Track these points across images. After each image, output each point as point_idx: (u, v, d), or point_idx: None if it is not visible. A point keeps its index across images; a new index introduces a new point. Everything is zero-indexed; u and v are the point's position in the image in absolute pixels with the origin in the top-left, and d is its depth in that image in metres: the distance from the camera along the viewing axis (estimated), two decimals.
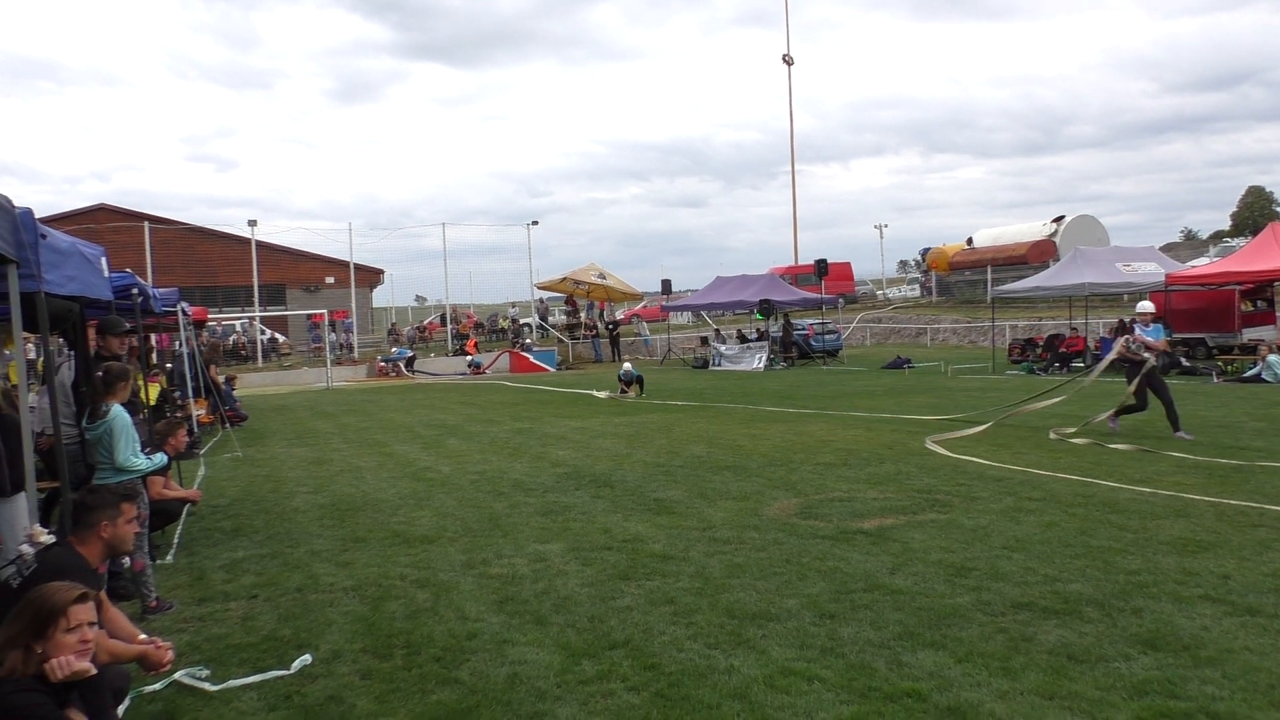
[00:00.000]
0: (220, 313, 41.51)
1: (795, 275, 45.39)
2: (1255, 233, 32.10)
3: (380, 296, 57.10)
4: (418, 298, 71.14)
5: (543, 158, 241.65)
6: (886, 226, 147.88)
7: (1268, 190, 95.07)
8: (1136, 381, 12.18)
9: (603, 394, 22.69)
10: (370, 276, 50.96)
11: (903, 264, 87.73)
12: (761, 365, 31.62)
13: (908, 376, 25.80)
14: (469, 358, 38.55)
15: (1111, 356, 13.25)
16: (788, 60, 57.54)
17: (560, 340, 43.28)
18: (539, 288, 46.40)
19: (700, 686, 4.57)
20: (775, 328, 34.72)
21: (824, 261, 37.50)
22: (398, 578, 6.83)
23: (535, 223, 46.03)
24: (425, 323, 52.76)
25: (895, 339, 43.05)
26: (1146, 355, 12.28)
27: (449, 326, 45.16)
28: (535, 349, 40.04)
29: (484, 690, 4.66)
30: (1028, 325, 35.34)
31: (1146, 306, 13.16)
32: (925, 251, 57.44)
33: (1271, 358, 19.85)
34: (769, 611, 5.64)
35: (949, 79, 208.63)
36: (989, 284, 38.79)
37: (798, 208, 70.47)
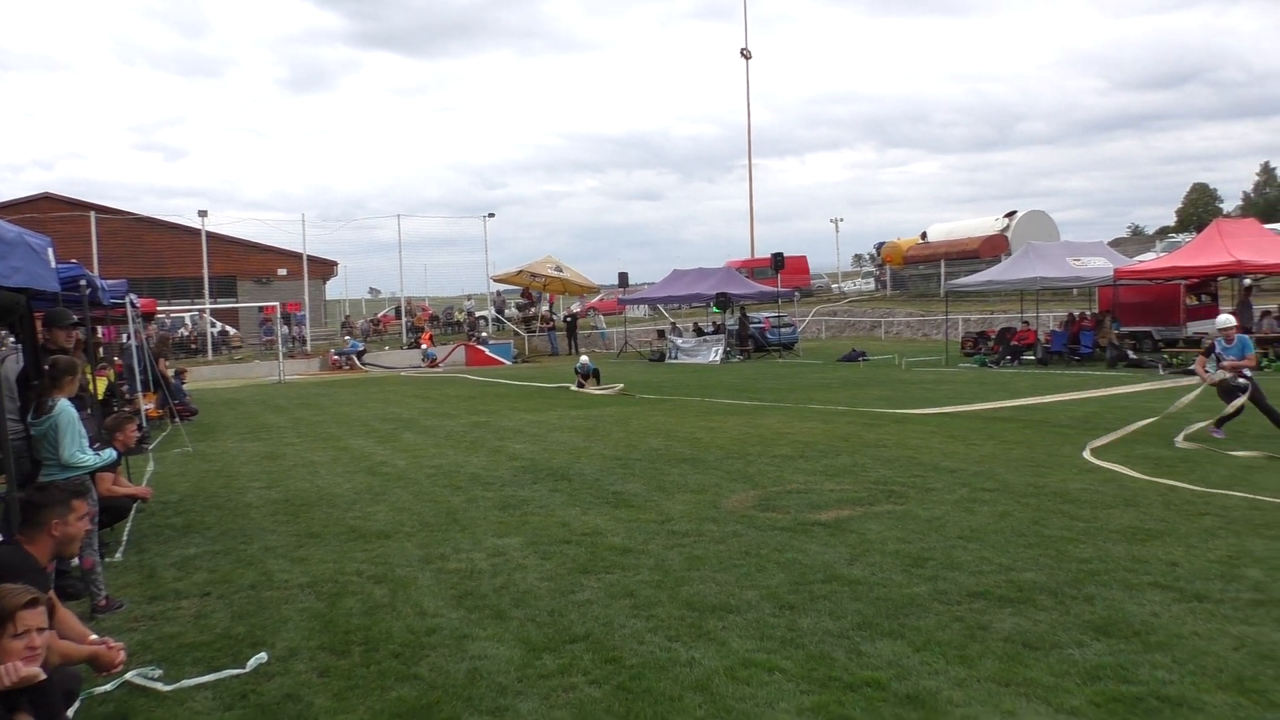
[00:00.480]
0: (169, 305, 40.74)
1: (752, 268, 45.49)
2: (1200, 229, 32.86)
3: (333, 289, 56.55)
4: (371, 290, 70.49)
5: (499, 149, 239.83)
6: (842, 220, 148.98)
7: (1211, 187, 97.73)
8: (1235, 404, 11.13)
9: (590, 389, 22.07)
10: (323, 268, 50.34)
11: (858, 258, 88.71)
12: (718, 358, 31.73)
13: (863, 369, 26.05)
14: (424, 349, 38.27)
15: (1200, 390, 11.68)
16: (745, 54, 57.69)
17: (516, 333, 43.09)
18: (495, 280, 46.12)
19: (662, 679, 4.57)
20: (732, 321, 34.86)
21: (780, 255, 37.69)
22: (354, 573, 6.75)
23: (491, 215, 45.53)
24: (379, 315, 52.23)
25: (850, 332, 43.45)
26: (1241, 381, 11.16)
27: (403, 319, 44.74)
28: (491, 342, 39.83)
29: (444, 686, 4.62)
30: (980, 319, 35.86)
31: (1227, 321, 11.77)
32: (880, 245, 58.06)
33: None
34: (729, 603, 5.66)
35: (904, 74, 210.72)
36: (942, 278, 39.27)
37: (754, 201, 70.91)
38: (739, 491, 9.08)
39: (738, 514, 8.09)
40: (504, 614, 5.68)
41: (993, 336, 28.07)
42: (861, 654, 4.78)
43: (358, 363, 36.90)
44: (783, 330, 35.72)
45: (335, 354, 37.81)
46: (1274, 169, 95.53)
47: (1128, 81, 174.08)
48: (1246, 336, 11.67)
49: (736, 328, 34.35)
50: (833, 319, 45.93)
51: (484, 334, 41.84)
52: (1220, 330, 11.59)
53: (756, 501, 8.59)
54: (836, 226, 73.53)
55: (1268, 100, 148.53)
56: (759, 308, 38.46)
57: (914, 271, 49.03)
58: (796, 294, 42.14)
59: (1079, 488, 8.62)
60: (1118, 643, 4.79)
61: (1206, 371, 11.60)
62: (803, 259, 54.26)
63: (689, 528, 7.65)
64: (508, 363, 37.02)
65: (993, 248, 42.21)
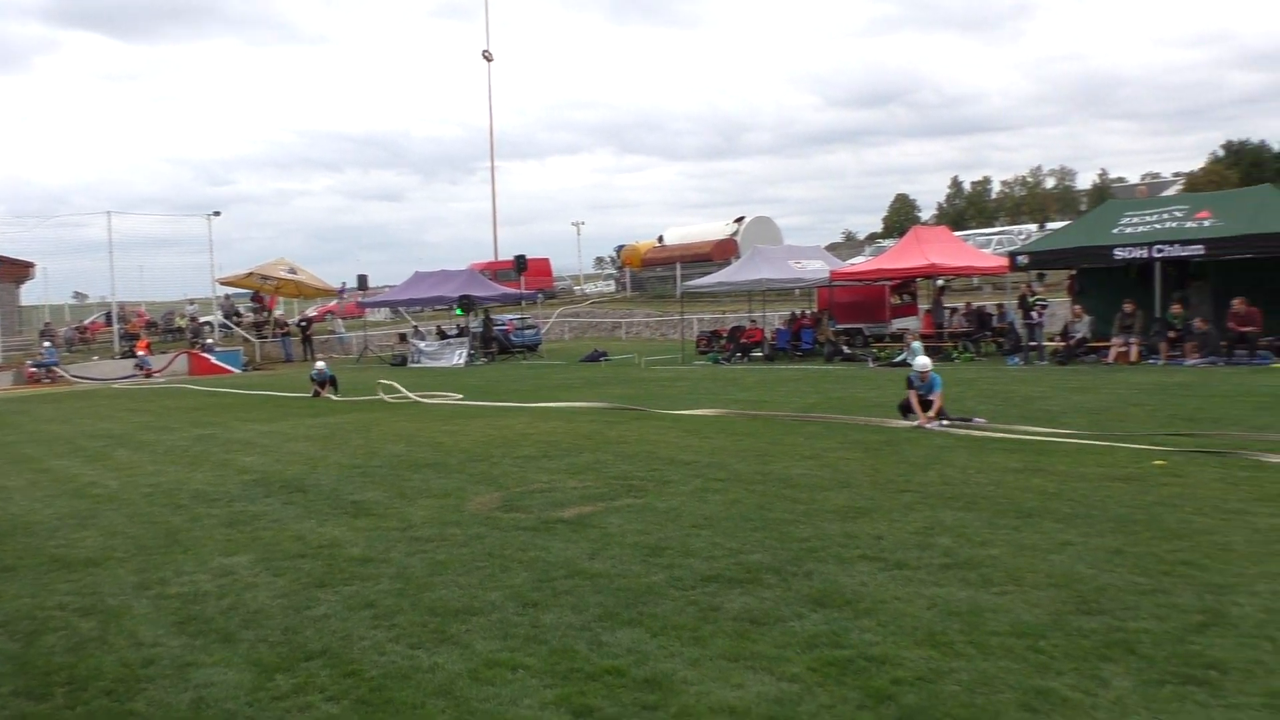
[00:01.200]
0: None
1: (495, 271, 45.39)
2: (901, 235, 36.23)
3: (31, 293, 50.44)
4: (77, 294, 63.67)
5: (225, 144, 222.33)
6: (583, 224, 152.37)
7: (911, 198, 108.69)
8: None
9: (391, 396, 19.98)
10: (16, 270, 44.89)
11: (599, 260, 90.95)
12: (462, 361, 31.41)
13: (604, 369, 26.68)
14: (139, 358, 35.16)
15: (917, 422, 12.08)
16: (487, 56, 57.38)
17: (246, 339, 40.52)
18: (221, 284, 43.07)
19: (404, 688, 4.49)
20: (476, 323, 34.62)
21: (523, 257, 37.85)
22: (56, 607, 6.12)
23: (217, 213, 42.29)
24: (87, 322, 47.38)
25: (592, 333, 44.39)
26: (945, 422, 11.87)
27: (115, 326, 40.83)
28: (218, 349, 37.24)
29: (164, 719, 4.30)
30: (713, 318, 37.69)
31: (925, 364, 12.46)
32: (620, 248, 59.81)
33: (915, 344, 22.48)
34: (472, 606, 5.64)
35: (641, 83, 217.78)
36: (678, 279, 40.94)
37: (497, 204, 70.50)
38: (483, 494, 9.05)
39: (481, 516, 8.07)
40: (232, 636, 5.36)
41: (724, 335, 29.60)
42: (602, 644, 4.92)
43: (65, 374, 33.30)
44: (526, 332, 35.94)
45: (32, 365, 33.93)
46: (962, 183, 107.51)
47: (840, 99, 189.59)
48: (937, 376, 12.35)
49: (481, 330, 34.17)
50: (575, 320, 46.73)
51: (209, 340, 39.00)
52: (918, 370, 12.41)
53: (500, 503, 8.60)
54: (578, 230, 75.06)
55: (956, 121, 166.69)
56: (503, 310, 38.45)
57: (652, 274, 50.86)
58: (540, 296, 42.51)
59: (800, 473, 9.29)
60: (832, 612, 5.22)
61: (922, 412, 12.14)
62: (546, 261, 54.86)
63: (432, 533, 7.54)
64: (237, 371, 34.80)
65: (724, 251, 44.57)
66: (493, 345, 33.82)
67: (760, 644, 4.81)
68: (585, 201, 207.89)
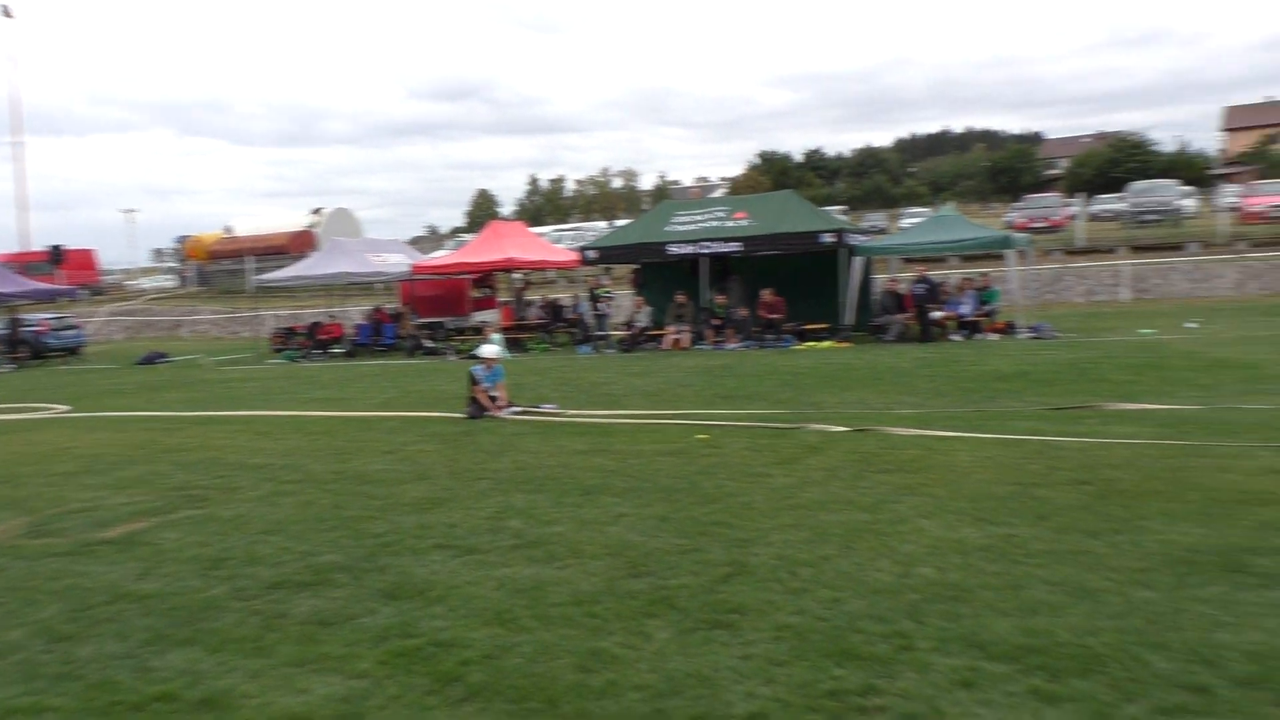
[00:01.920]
0: None
1: (24, 263, 39.53)
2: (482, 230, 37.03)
3: None
4: None
5: None
6: (136, 211, 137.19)
7: (492, 193, 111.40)
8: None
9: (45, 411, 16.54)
10: None
11: (158, 252, 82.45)
12: None
13: (164, 371, 24.34)
14: None
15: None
16: (6, 12, 49.30)
17: None
18: None
19: None
20: (0, 325, 29.87)
21: (59, 248, 33.52)
22: None
23: None
24: None
25: (150, 332, 40.28)
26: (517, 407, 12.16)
27: None
28: None
29: None
30: (290, 314, 35.86)
31: (487, 351, 12.65)
32: (182, 239, 54.93)
33: (495, 336, 23.11)
34: None
35: (204, 60, 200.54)
36: (250, 274, 38.38)
37: (27, 186, 61.09)
38: (4, 520, 7.85)
39: (2, 546, 7.00)
40: None
41: (302, 331, 28.33)
42: (150, 670, 4.53)
43: None
44: (66, 333, 31.74)
45: None
46: (539, 180, 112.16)
47: (420, 90, 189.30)
48: (500, 366, 12.59)
49: (6, 332, 29.54)
50: (130, 319, 42.02)
51: None
52: (483, 360, 12.49)
53: (26, 528, 7.51)
54: (130, 218, 67.57)
55: (533, 121, 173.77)
56: (35, 308, 33.55)
57: (219, 267, 47.30)
58: (83, 292, 37.66)
59: (378, 469, 9.17)
60: (404, 603, 5.24)
61: (491, 401, 12.26)
62: (89, 253, 48.94)
63: None
64: None
65: (301, 243, 42.63)
66: (21, 349, 29.39)
67: (328, 645, 4.70)
68: (139, 187, 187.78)
